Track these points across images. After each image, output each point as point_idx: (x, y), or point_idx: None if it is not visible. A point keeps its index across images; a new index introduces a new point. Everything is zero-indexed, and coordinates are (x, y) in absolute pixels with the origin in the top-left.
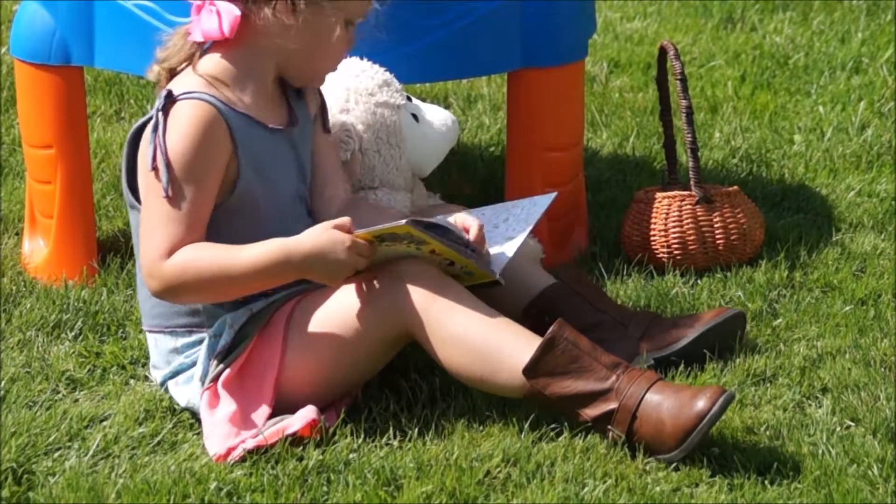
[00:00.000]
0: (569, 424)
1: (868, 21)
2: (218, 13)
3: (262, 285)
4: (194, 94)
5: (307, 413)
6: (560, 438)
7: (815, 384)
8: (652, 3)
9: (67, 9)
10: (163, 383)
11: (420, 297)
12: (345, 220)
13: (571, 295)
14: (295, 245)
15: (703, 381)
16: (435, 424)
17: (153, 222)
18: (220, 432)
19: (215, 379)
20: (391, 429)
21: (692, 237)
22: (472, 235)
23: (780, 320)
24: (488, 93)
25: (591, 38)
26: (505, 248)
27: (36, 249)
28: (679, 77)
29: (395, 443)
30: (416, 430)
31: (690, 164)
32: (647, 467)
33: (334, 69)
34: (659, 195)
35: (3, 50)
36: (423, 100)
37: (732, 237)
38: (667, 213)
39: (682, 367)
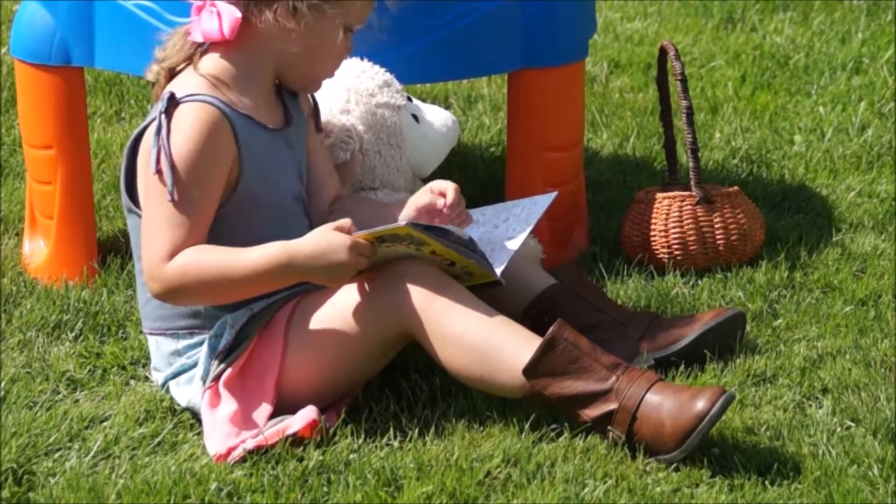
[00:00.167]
0: (569, 425)
1: (868, 21)
2: (219, 14)
3: (263, 288)
4: (198, 97)
5: (307, 413)
6: (560, 439)
7: (815, 385)
8: (652, 3)
9: (68, 9)
10: (164, 384)
11: (419, 296)
12: (345, 221)
13: (571, 295)
14: (296, 247)
15: (704, 382)
16: (435, 425)
17: (155, 225)
18: (220, 432)
19: (216, 379)
20: (391, 429)
21: (692, 237)
22: (448, 199)
23: (780, 321)
24: (489, 93)
25: (591, 39)
26: (505, 248)
27: (36, 250)
28: (679, 77)
29: (396, 443)
30: (417, 430)
31: (691, 164)
32: (648, 468)
33: (332, 75)
34: (659, 195)
35: (4, 50)
36: (424, 100)
37: (733, 237)
38: (667, 214)
39: (682, 368)
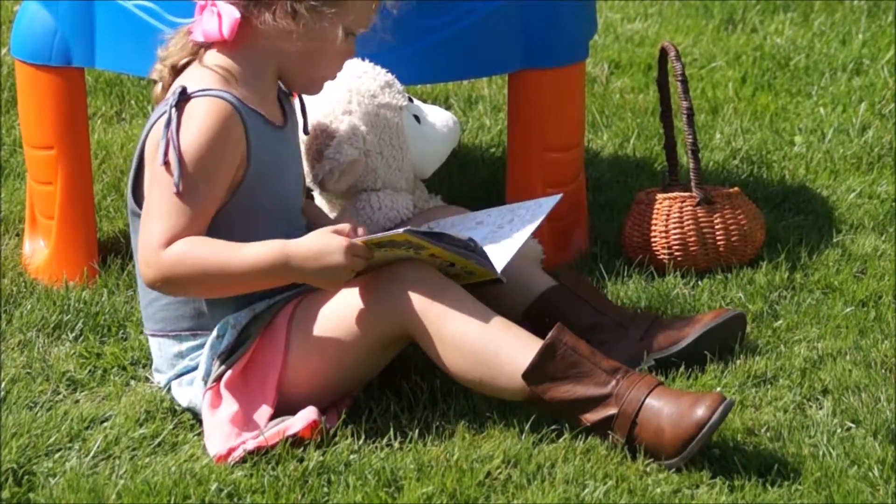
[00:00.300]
0: (569, 426)
1: (869, 22)
2: (219, 14)
3: (257, 285)
4: (210, 92)
5: (308, 414)
6: (561, 440)
7: (815, 386)
8: (653, 4)
9: (68, 10)
10: (166, 386)
11: (418, 300)
12: (344, 225)
13: (571, 297)
14: (294, 246)
15: (704, 383)
16: (435, 425)
17: (156, 212)
18: (221, 433)
19: (217, 379)
20: (392, 430)
21: (693, 238)
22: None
23: (780, 321)
24: (489, 94)
25: (591, 40)
26: (508, 246)
27: (36, 250)
28: (680, 78)
29: (396, 444)
30: (417, 431)
31: (691, 165)
32: (648, 469)
33: (333, 77)
34: (660, 196)
35: (4, 51)
36: (424, 101)
37: (733, 238)
38: (667, 215)
39: (682, 369)
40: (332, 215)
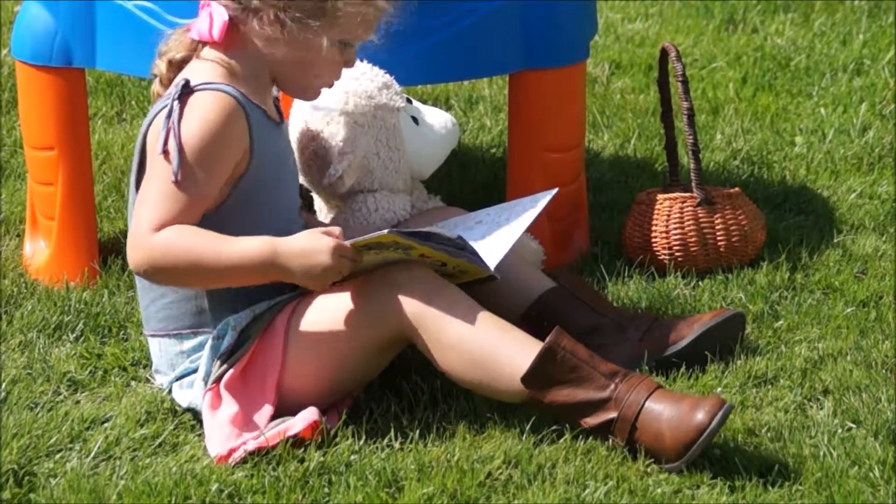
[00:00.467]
0: (570, 426)
1: (869, 23)
2: (210, 15)
3: (243, 280)
4: (213, 85)
5: (308, 415)
6: (561, 440)
7: (816, 386)
8: (653, 4)
9: (69, 10)
10: (167, 388)
11: (414, 304)
12: (335, 228)
13: (570, 298)
14: (283, 244)
15: (705, 383)
16: (436, 426)
17: (151, 198)
18: (221, 433)
19: (217, 380)
20: (392, 430)
21: (693, 239)
22: None
23: (781, 322)
24: (489, 94)
25: (592, 40)
26: (502, 242)
27: (37, 251)
28: (680, 79)
29: (397, 444)
30: (418, 431)
31: (692, 165)
32: (649, 469)
33: (330, 84)
34: (660, 197)
35: (5, 51)
36: (424, 102)
37: (734, 239)
38: (668, 215)
39: (683, 369)
40: (330, 215)
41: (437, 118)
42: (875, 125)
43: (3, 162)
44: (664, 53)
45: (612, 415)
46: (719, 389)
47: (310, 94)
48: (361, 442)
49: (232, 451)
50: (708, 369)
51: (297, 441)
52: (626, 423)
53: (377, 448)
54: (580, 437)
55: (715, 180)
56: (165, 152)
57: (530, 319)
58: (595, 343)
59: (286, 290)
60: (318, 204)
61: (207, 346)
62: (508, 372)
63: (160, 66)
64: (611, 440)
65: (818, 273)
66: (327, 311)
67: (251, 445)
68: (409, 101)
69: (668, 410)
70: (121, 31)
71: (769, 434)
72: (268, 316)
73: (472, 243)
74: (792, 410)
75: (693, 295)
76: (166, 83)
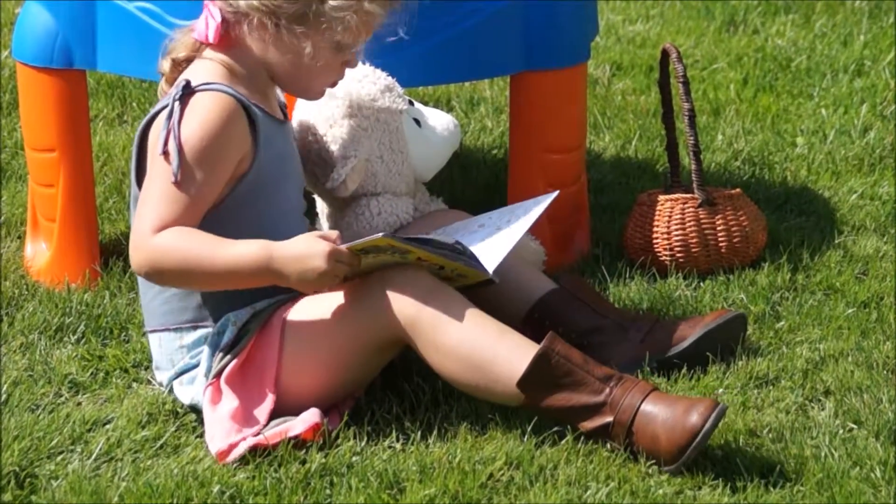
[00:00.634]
0: (571, 428)
1: (870, 24)
2: (206, 18)
3: (239, 283)
4: (214, 86)
5: (310, 416)
6: (563, 441)
7: (817, 387)
8: (654, 5)
9: (69, 11)
10: (168, 384)
11: (409, 307)
12: (332, 232)
13: (572, 300)
14: (279, 248)
15: (706, 384)
16: (438, 427)
17: (151, 199)
18: (222, 429)
19: (218, 374)
20: (394, 432)
21: (694, 240)
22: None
23: (782, 323)
24: (491, 96)
25: (593, 41)
26: (501, 245)
27: (38, 253)
28: (681, 80)
29: (398, 446)
30: (419, 433)
31: (693, 166)
32: (650, 470)
33: (332, 84)
34: (661, 198)
35: (6, 53)
36: (426, 103)
37: (735, 240)
38: (669, 216)
39: (684, 370)
40: (332, 218)
41: (439, 120)
42: (876, 126)
43: (3, 164)
44: (665, 55)
45: (608, 419)
46: (721, 390)
47: (311, 94)
48: (363, 443)
49: (232, 446)
50: (709, 370)
51: (299, 442)
52: (622, 427)
53: (379, 449)
54: (581, 438)
55: (716, 181)
56: (165, 153)
57: (532, 322)
58: (596, 344)
59: (287, 289)
60: (321, 207)
61: (207, 342)
62: (505, 376)
63: (164, 66)
64: (609, 444)
65: (819, 274)
66: (324, 311)
67: (252, 441)
68: (411, 103)
69: (662, 413)
70: (122, 33)
71: (770, 435)
72: (267, 312)
73: (471, 247)
74: (793, 411)
75: (694, 296)
76: (171, 82)
